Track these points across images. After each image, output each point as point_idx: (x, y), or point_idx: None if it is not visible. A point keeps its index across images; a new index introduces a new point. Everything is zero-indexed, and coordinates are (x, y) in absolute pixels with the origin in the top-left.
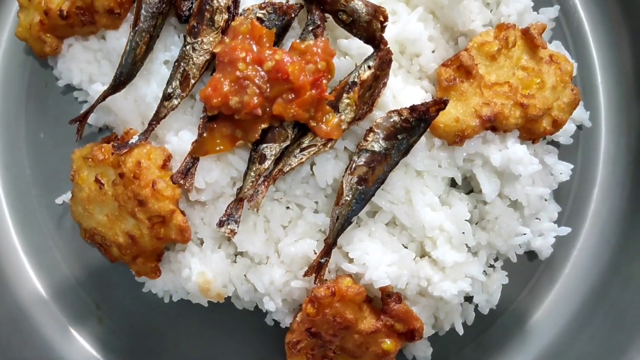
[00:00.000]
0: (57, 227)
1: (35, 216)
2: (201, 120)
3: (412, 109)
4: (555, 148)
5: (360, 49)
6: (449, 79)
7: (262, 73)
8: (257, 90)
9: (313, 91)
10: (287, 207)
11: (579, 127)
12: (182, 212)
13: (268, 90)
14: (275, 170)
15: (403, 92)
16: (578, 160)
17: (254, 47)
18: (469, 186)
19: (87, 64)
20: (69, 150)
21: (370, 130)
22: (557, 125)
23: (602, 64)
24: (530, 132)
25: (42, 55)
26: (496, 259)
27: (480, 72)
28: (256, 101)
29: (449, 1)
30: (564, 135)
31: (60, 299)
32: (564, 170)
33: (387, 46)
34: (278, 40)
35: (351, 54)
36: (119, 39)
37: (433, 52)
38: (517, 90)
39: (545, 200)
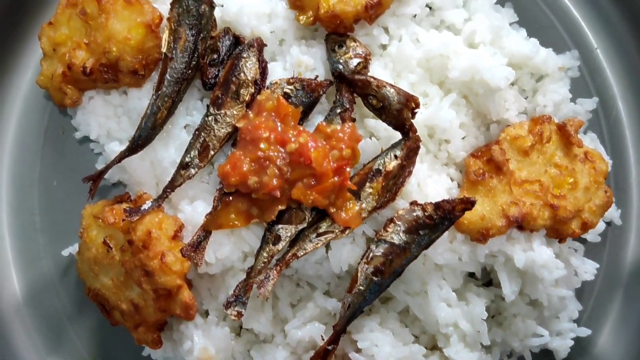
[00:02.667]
0: (61, 278)
1: (40, 264)
2: (217, 192)
3: (437, 206)
4: (582, 244)
5: (387, 130)
6: (478, 172)
7: (284, 154)
8: (278, 172)
9: (335, 178)
10: (298, 285)
11: (608, 224)
12: (190, 283)
13: (289, 172)
14: (289, 254)
15: (429, 180)
16: (604, 258)
17: (278, 126)
18: (487, 276)
19: (106, 118)
20: (80, 202)
21: (392, 220)
22: (586, 227)
23: (638, 160)
24: (557, 232)
25: (62, 105)
26: (510, 356)
27: (510, 167)
28: (275, 183)
29: (484, 90)
30: (593, 233)
31: (57, 351)
32: (589, 269)
33: (417, 134)
34: (304, 116)
35: (378, 135)
36: (140, 99)
37: (463, 138)
38: (548, 189)
39: (566, 300)
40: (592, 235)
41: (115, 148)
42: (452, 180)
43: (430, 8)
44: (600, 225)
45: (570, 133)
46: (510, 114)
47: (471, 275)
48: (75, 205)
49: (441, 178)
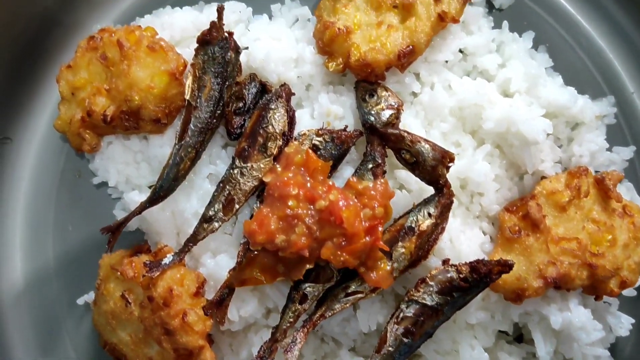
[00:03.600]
0: (76, 327)
1: (54, 311)
2: (241, 246)
3: (473, 268)
4: (616, 298)
5: (419, 183)
6: (514, 229)
7: (314, 212)
8: (306, 231)
9: (367, 238)
10: (322, 340)
11: None
12: (211, 339)
13: (318, 231)
14: (317, 315)
15: (461, 236)
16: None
17: (307, 181)
18: (518, 330)
19: (125, 165)
20: (96, 247)
21: (424, 280)
22: (625, 286)
23: None
24: (595, 291)
25: (79, 150)
26: None
27: (547, 223)
28: (304, 242)
29: (520, 142)
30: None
31: None
32: (624, 325)
33: (451, 189)
34: (333, 168)
35: (409, 187)
36: (162, 147)
37: (496, 191)
38: (586, 247)
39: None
40: (628, 291)
41: (135, 198)
42: (484, 233)
43: (462, 53)
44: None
45: (609, 187)
46: (546, 165)
47: (501, 330)
48: (91, 252)
49: (474, 233)
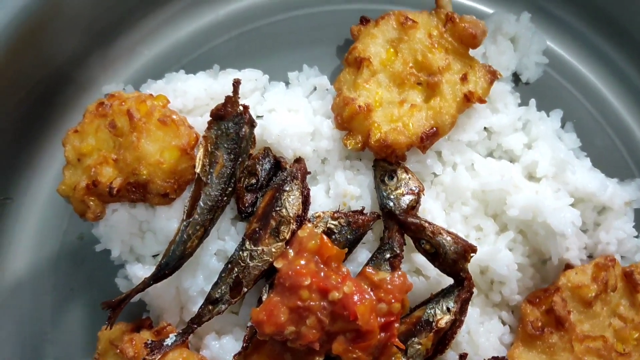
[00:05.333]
0: None
1: None
2: (248, 330)
3: None
4: None
5: (437, 270)
6: (536, 325)
7: (326, 304)
8: (318, 324)
9: (381, 334)
10: None
11: None
12: None
13: (330, 324)
14: None
15: (480, 329)
16: None
17: (320, 269)
18: None
19: (130, 235)
20: (95, 316)
21: None
22: None
23: None
24: None
25: (83, 217)
26: None
27: (571, 318)
28: (314, 334)
29: (545, 232)
30: None
31: None
32: None
33: (471, 281)
34: (348, 252)
35: (426, 274)
36: (169, 220)
37: (518, 280)
38: (612, 347)
39: None
40: None
41: (139, 273)
42: (504, 323)
43: (486, 130)
44: None
45: (637, 282)
46: (571, 254)
47: None
48: (91, 318)
49: (493, 324)
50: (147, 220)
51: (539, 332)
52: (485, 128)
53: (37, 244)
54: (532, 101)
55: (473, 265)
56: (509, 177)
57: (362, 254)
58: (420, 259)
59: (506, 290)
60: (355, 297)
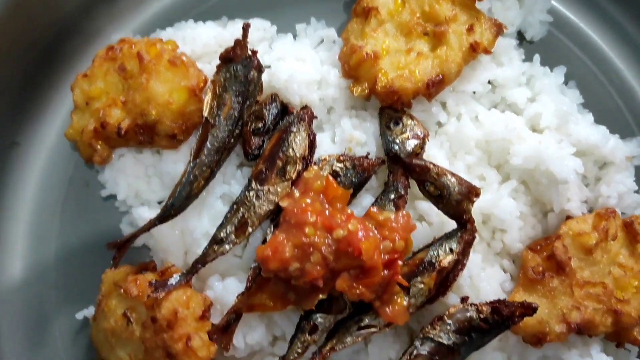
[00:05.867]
0: (72, 342)
1: (50, 324)
2: (252, 271)
3: (495, 309)
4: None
5: (440, 215)
6: (537, 270)
7: (330, 241)
8: (322, 260)
9: (385, 272)
10: None
11: None
12: None
13: (334, 261)
14: (327, 348)
15: (482, 274)
16: None
17: (326, 208)
18: None
19: (135, 178)
20: (100, 261)
21: (441, 318)
22: None
23: None
24: (617, 338)
25: (89, 161)
26: None
27: (572, 265)
28: (319, 271)
29: (548, 180)
30: None
31: None
32: None
33: (474, 224)
34: (352, 196)
35: (430, 220)
36: (175, 163)
37: (520, 229)
38: (611, 293)
39: None
40: None
41: (144, 214)
42: (505, 272)
43: (491, 84)
44: None
45: (637, 232)
46: (572, 205)
47: None
48: (94, 264)
49: (494, 271)
50: (153, 165)
51: (539, 276)
52: (489, 82)
53: (42, 189)
54: (536, 57)
55: (476, 214)
56: (513, 127)
57: (366, 198)
58: (424, 206)
59: (508, 238)
60: (360, 234)
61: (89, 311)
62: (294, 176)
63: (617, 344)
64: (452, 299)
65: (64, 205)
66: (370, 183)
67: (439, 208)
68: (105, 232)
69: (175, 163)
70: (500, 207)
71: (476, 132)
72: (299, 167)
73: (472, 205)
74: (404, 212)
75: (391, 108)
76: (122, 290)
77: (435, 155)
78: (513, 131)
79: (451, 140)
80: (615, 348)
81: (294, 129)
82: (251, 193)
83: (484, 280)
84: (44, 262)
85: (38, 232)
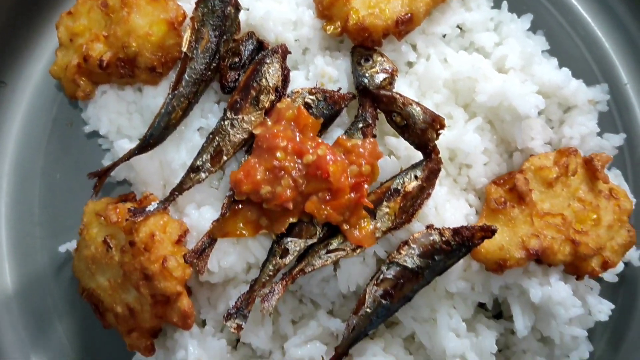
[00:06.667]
0: (55, 274)
1: (34, 258)
2: (226, 199)
3: (456, 232)
4: (597, 283)
5: (408, 150)
6: (499, 200)
7: (301, 166)
8: (292, 183)
9: (352, 195)
10: (301, 301)
11: (626, 264)
12: (189, 291)
13: (304, 185)
14: (296, 269)
15: (447, 205)
16: (619, 298)
17: (297, 136)
18: (498, 307)
19: (117, 114)
20: (82, 197)
21: (406, 243)
22: (606, 266)
23: None
24: (576, 269)
25: (73, 97)
26: None
27: (533, 197)
28: (289, 194)
29: (511, 117)
30: (610, 272)
31: (43, 350)
32: (603, 310)
33: (439, 155)
34: (323, 129)
35: (398, 154)
36: (155, 97)
37: (485, 164)
38: (570, 224)
39: (579, 340)
40: (609, 275)
41: (125, 145)
42: (470, 206)
43: (460, 29)
44: (619, 265)
45: (597, 168)
46: (536, 143)
47: (481, 305)
48: (77, 201)
49: (460, 203)
50: (134, 101)
51: (501, 206)
52: (458, 26)
53: (27, 128)
54: (504, 4)
55: (442, 149)
56: (479, 67)
57: (337, 132)
58: (392, 141)
59: (473, 173)
60: (329, 157)
61: (71, 245)
62: (267, 105)
63: (577, 277)
64: (417, 227)
65: (48, 144)
66: (342, 119)
67: (405, 138)
68: (88, 169)
69: (155, 97)
70: (465, 141)
71: (444, 72)
72: (272, 97)
73: (437, 137)
74: (371, 139)
75: (362, 46)
76: (102, 219)
77: (404, 93)
78: (479, 70)
79: (420, 80)
80: (576, 282)
81: (268, 61)
82: (226, 122)
83: (449, 211)
84: (28, 199)
85: (22, 170)
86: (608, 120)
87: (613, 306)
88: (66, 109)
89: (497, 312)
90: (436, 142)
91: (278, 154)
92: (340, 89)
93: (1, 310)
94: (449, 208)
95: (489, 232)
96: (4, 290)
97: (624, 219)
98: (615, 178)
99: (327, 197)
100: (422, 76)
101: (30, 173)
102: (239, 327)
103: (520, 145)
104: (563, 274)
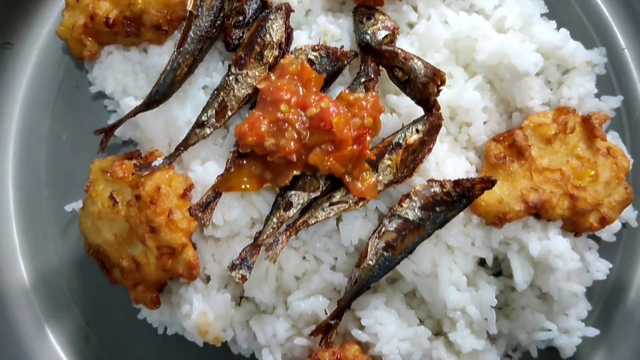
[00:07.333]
0: (62, 234)
1: (41, 219)
2: (231, 154)
3: (456, 183)
4: (596, 243)
5: (409, 108)
6: (499, 156)
7: (304, 118)
8: (296, 136)
9: (354, 146)
10: (304, 258)
11: (624, 225)
12: (194, 245)
13: (307, 137)
14: (300, 221)
15: (447, 160)
16: (617, 259)
17: (300, 90)
18: (498, 266)
19: (123, 74)
20: (88, 158)
21: (407, 196)
22: (604, 222)
23: None
24: (574, 225)
25: (80, 58)
26: (515, 350)
27: (532, 154)
28: (293, 146)
29: (510, 75)
30: (608, 232)
31: (50, 309)
32: (601, 268)
33: (440, 111)
34: (325, 86)
35: (399, 112)
36: (160, 56)
37: (485, 123)
38: (568, 179)
39: (577, 296)
40: (607, 234)
41: (131, 103)
42: (471, 164)
43: None
44: (616, 225)
45: (594, 126)
46: (535, 102)
47: (481, 264)
48: (83, 161)
49: (460, 160)
50: (140, 62)
51: (501, 161)
52: None
53: (34, 90)
54: None
55: (443, 108)
56: (479, 27)
57: (339, 90)
58: (394, 99)
59: (473, 131)
60: (332, 109)
61: (78, 204)
62: (271, 61)
63: (575, 234)
64: (419, 181)
65: (54, 106)
66: (344, 78)
67: (406, 93)
68: (94, 130)
69: (161, 56)
70: (465, 98)
71: (445, 32)
72: (276, 52)
73: (438, 93)
74: (374, 92)
75: (364, 6)
76: (108, 175)
77: None
78: (479, 30)
79: (421, 40)
80: (575, 239)
81: (272, 17)
82: (230, 78)
83: (449, 166)
84: (35, 160)
85: (29, 132)
86: (606, 83)
87: (611, 265)
88: (73, 72)
89: (497, 271)
90: (437, 99)
91: (282, 107)
92: (342, 47)
93: (8, 271)
94: (449, 164)
95: (489, 183)
96: (12, 250)
97: (621, 177)
98: (612, 140)
99: (330, 149)
100: (422, 36)
101: (37, 135)
102: (243, 278)
103: (520, 103)
104: (562, 230)
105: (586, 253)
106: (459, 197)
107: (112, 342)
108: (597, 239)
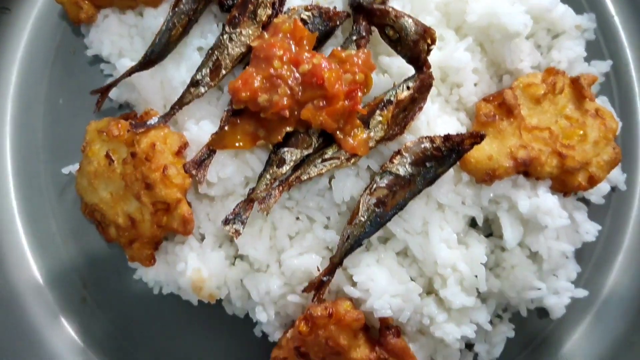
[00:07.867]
0: (59, 196)
1: (38, 181)
2: (225, 113)
3: (446, 138)
4: (585, 205)
5: (400, 68)
6: (488, 114)
7: (297, 75)
8: (288, 91)
9: (346, 102)
10: (297, 218)
11: (613, 188)
12: (189, 204)
13: (300, 93)
14: (293, 176)
15: (438, 120)
16: (606, 223)
17: (293, 47)
18: (489, 229)
19: (119, 37)
20: (85, 122)
21: (398, 152)
22: (592, 182)
23: None
24: (563, 185)
25: (76, 21)
26: (505, 310)
27: (522, 113)
28: (285, 102)
29: (500, 36)
30: (597, 194)
31: (47, 271)
32: (590, 230)
33: (430, 70)
34: (318, 45)
35: (391, 72)
36: (156, 18)
37: (475, 85)
38: (557, 138)
39: (567, 257)
40: (596, 197)
41: (127, 64)
42: (462, 125)
43: None
44: (605, 187)
45: (583, 86)
46: (525, 64)
47: (472, 226)
48: (79, 125)
49: (451, 120)
50: (136, 25)
51: (490, 119)
52: None
53: (30, 55)
54: None
55: (434, 68)
56: None
57: (331, 49)
58: (386, 60)
59: (463, 92)
60: (324, 65)
61: (74, 167)
62: (264, 19)
63: (564, 194)
64: (409, 139)
65: (51, 71)
66: (337, 39)
67: (397, 52)
68: (90, 95)
69: (156, 18)
70: (455, 58)
71: None
72: (269, 11)
73: (429, 52)
74: (365, 50)
75: None
76: (104, 135)
77: None
78: None
79: (412, 2)
80: (564, 199)
81: None
82: (225, 37)
83: (440, 126)
84: (32, 123)
85: (26, 96)
86: (595, 49)
87: (600, 227)
88: (70, 37)
89: (488, 233)
90: (428, 59)
91: (275, 63)
92: (335, 7)
93: (6, 233)
94: (440, 124)
95: (478, 138)
96: (9, 213)
97: (609, 137)
98: (602, 104)
99: (322, 104)
100: None
101: (34, 98)
102: (237, 232)
103: (510, 65)
104: (551, 190)
105: (575, 213)
106: (449, 151)
107: (107, 303)
108: (587, 203)
